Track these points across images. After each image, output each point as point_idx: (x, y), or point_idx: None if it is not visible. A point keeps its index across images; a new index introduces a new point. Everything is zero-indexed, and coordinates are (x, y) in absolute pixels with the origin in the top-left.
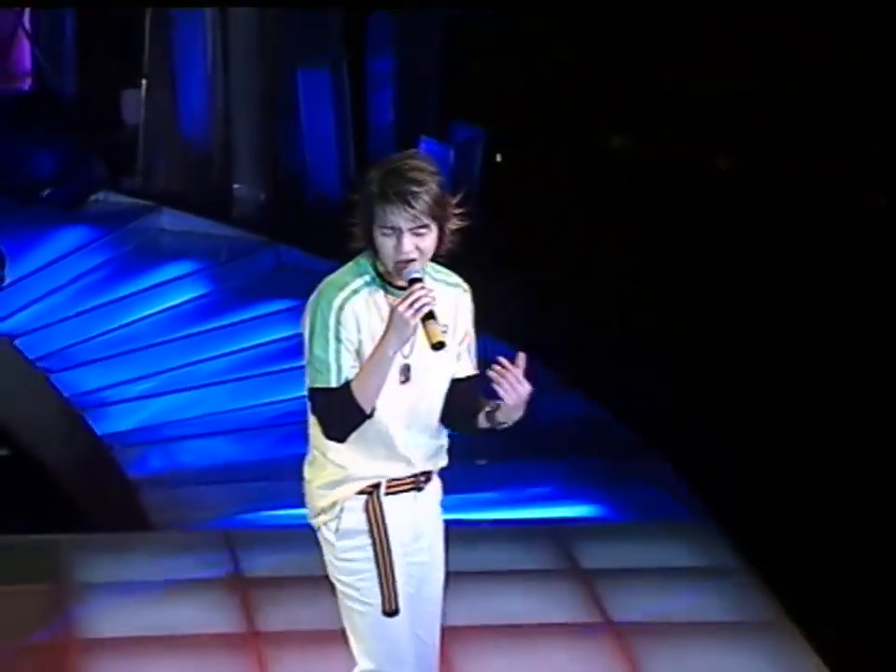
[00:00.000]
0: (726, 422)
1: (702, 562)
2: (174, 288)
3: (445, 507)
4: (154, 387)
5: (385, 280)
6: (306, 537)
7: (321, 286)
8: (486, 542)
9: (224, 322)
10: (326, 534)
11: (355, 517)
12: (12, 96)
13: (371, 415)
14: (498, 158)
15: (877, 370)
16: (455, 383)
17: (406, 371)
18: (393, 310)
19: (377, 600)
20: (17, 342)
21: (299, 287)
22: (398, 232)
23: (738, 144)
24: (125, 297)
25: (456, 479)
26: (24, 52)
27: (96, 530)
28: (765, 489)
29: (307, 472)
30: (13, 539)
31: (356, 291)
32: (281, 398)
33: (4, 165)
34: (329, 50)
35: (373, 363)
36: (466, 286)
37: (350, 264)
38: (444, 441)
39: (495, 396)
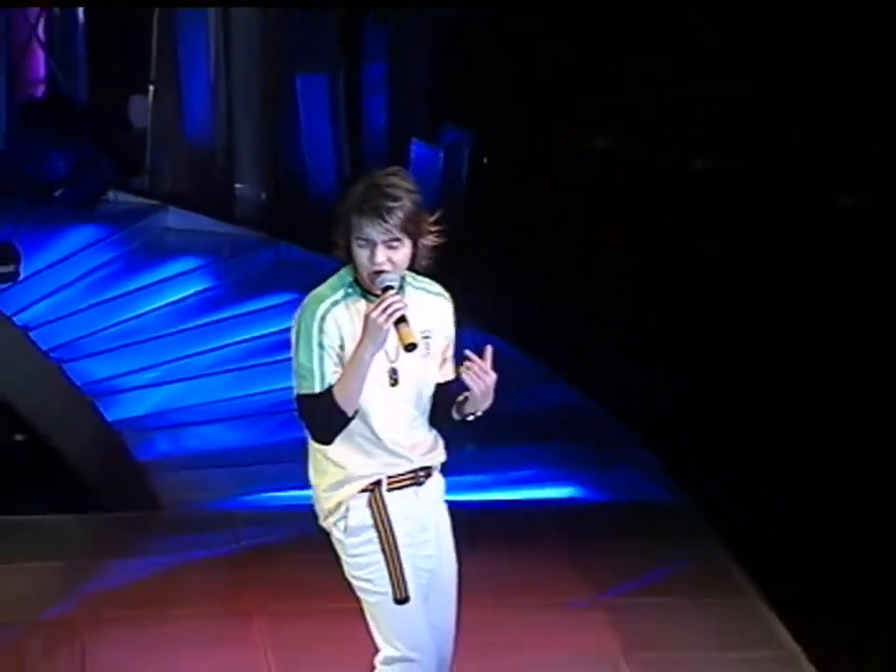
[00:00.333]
0: (702, 406)
1: (679, 541)
2: (179, 283)
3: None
4: (160, 376)
5: (364, 290)
6: (302, 516)
7: (305, 300)
8: (477, 522)
9: (226, 315)
10: (336, 534)
11: (360, 514)
12: (27, 101)
13: (353, 417)
14: (485, 160)
15: (846, 348)
16: (439, 386)
17: (394, 374)
18: (366, 316)
19: (389, 590)
20: (31, 333)
21: (297, 282)
22: (371, 244)
23: (734, 144)
24: (133, 291)
25: (452, 464)
26: (38, 60)
27: (106, 510)
28: (735, 469)
29: (312, 478)
30: (29, 518)
31: (336, 302)
32: (280, 386)
33: (19, 167)
34: (326, 58)
35: (352, 368)
36: (447, 294)
37: (332, 278)
38: (438, 438)
39: (465, 388)
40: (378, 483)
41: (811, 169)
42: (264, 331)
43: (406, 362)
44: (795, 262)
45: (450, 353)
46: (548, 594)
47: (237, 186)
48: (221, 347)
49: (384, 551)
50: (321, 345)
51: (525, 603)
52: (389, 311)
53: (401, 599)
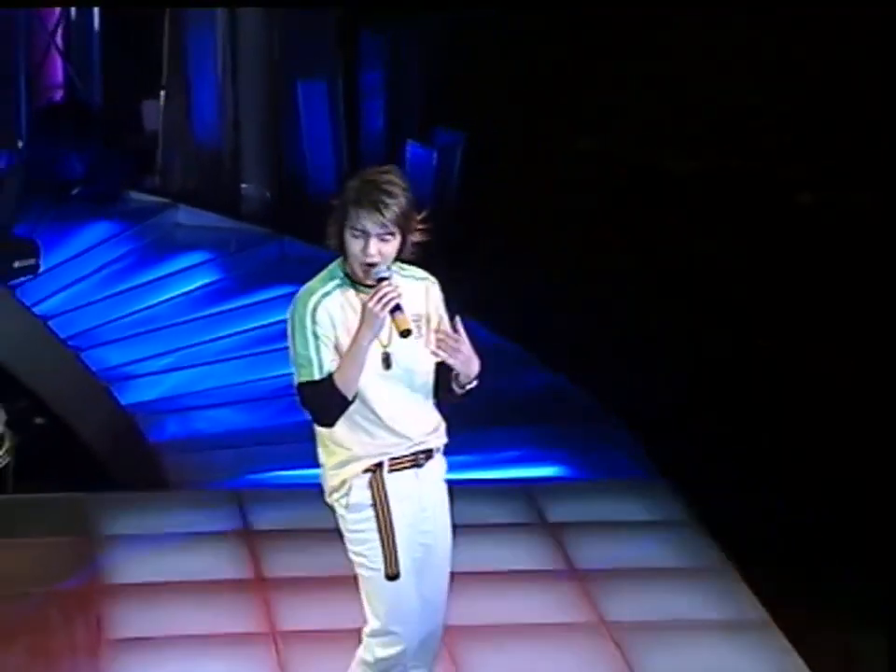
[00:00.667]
0: (679, 389)
1: (654, 515)
2: (188, 276)
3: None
4: (171, 363)
5: (354, 280)
6: (306, 495)
7: (298, 293)
8: (463, 500)
9: (233, 305)
10: (339, 510)
11: (361, 493)
12: (46, 106)
13: (352, 401)
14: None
15: (827, 338)
16: (440, 364)
17: (387, 359)
18: (364, 306)
19: (382, 566)
20: (50, 323)
21: (300, 275)
22: (366, 236)
23: (734, 144)
24: (146, 283)
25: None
26: (56, 67)
27: (120, 489)
28: (711, 448)
29: (321, 457)
30: (47, 496)
31: (327, 293)
32: (284, 372)
33: (39, 167)
34: (325, 65)
35: (351, 354)
36: (433, 278)
37: (322, 272)
38: (439, 420)
39: None
40: (380, 464)
41: (811, 168)
42: (269, 321)
43: (398, 346)
44: (795, 262)
45: (445, 329)
46: (532, 567)
47: (243, 185)
48: (229, 336)
49: (379, 529)
50: (315, 335)
51: (506, 576)
52: (385, 300)
53: (392, 576)
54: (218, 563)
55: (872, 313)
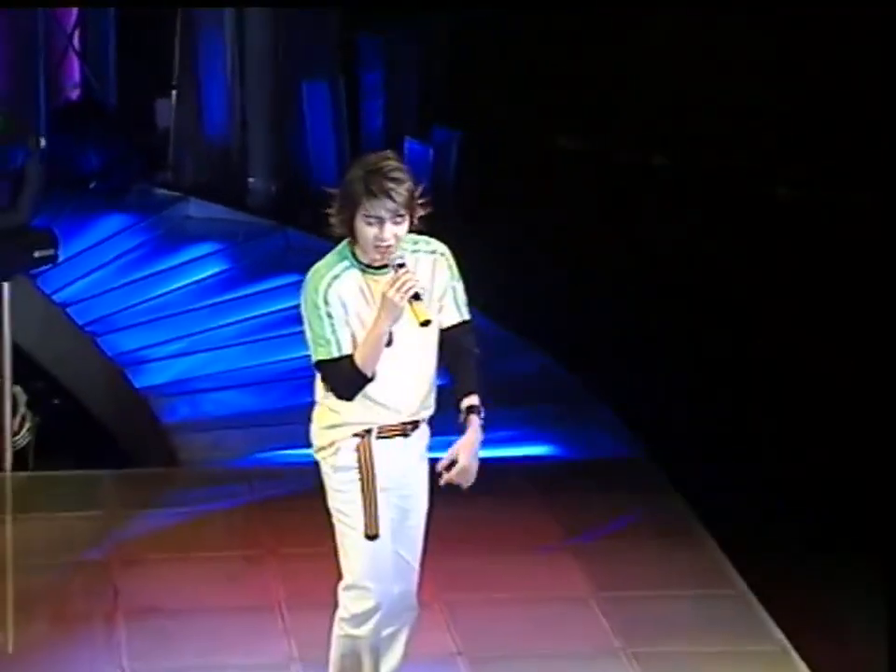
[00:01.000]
0: (661, 374)
1: (638, 489)
2: (199, 265)
3: (429, 447)
4: (183, 348)
5: (361, 263)
6: (310, 472)
7: (308, 275)
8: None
9: (241, 293)
10: (324, 467)
11: (348, 456)
12: (64, 104)
13: (372, 378)
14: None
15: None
16: (445, 331)
17: (388, 336)
18: (383, 294)
19: (362, 526)
20: (69, 310)
21: (304, 264)
22: (380, 222)
23: (734, 143)
24: (158, 272)
25: (438, 423)
26: (74, 67)
27: (134, 466)
28: (691, 427)
29: (314, 415)
30: (66, 473)
31: (337, 276)
32: (289, 356)
33: (58, 163)
34: (328, 67)
35: (371, 338)
36: (442, 249)
37: (331, 254)
38: (430, 395)
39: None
40: (369, 430)
41: (811, 168)
42: (275, 308)
43: (400, 326)
44: (794, 260)
45: (448, 300)
46: (524, 540)
47: (250, 179)
48: (237, 322)
49: (363, 491)
50: (329, 315)
51: (503, 548)
52: (404, 288)
53: (372, 536)
54: (228, 537)
55: (872, 312)
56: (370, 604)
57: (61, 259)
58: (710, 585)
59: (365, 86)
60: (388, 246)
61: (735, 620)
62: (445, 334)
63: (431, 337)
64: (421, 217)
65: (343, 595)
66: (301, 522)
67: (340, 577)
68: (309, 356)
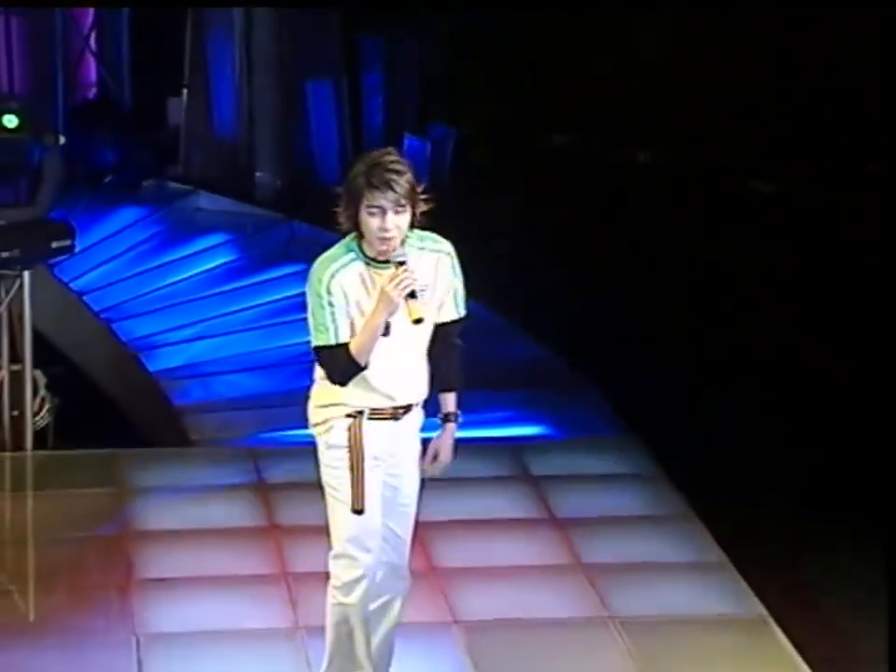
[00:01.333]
0: (647, 356)
1: (626, 469)
2: (208, 255)
3: (425, 427)
4: (194, 333)
5: (366, 256)
6: (312, 450)
7: (314, 265)
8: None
9: (249, 282)
10: (319, 443)
11: (339, 434)
12: (81, 103)
13: (365, 367)
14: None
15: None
16: (440, 325)
17: (387, 326)
18: (382, 289)
19: (349, 499)
20: (85, 297)
21: (308, 254)
22: (382, 212)
23: (733, 142)
24: (170, 262)
25: (432, 405)
26: (90, 68)
27: (148, 446)
28: (676, 410)
29: (312, 393)
30: (83, 452)
31: (342, 267)
32: (294, 341)
33: (75, 158)
34: (331, 67)
35: (367, 329)
36: (448, 248)
37: (337, 246)
38: (424, 381)
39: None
40: (361, 412)
41: (811, 168)
42: (280, 296)
43: (399, 317)
44: (773, 246)
45: (448, 297)
46: (516, 514)
47: (257, 173)
48: (245, 309)
49: (351, 469)
50: (331, 304)
51: (496, 523)
52: (402, 285)
53: (358, 511)
54: (236, 512)
55: (871, 311)
56: (357, 573)
57: (77, 249)
58: (692, 556)
59: (366, 85)
60: (392, 237)
61: (716, 589)
62: (439, 328)
63: (426, 329)
64: (423, 213)
65: (332, 564)
66: (305, 498)
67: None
68: (310, 341)
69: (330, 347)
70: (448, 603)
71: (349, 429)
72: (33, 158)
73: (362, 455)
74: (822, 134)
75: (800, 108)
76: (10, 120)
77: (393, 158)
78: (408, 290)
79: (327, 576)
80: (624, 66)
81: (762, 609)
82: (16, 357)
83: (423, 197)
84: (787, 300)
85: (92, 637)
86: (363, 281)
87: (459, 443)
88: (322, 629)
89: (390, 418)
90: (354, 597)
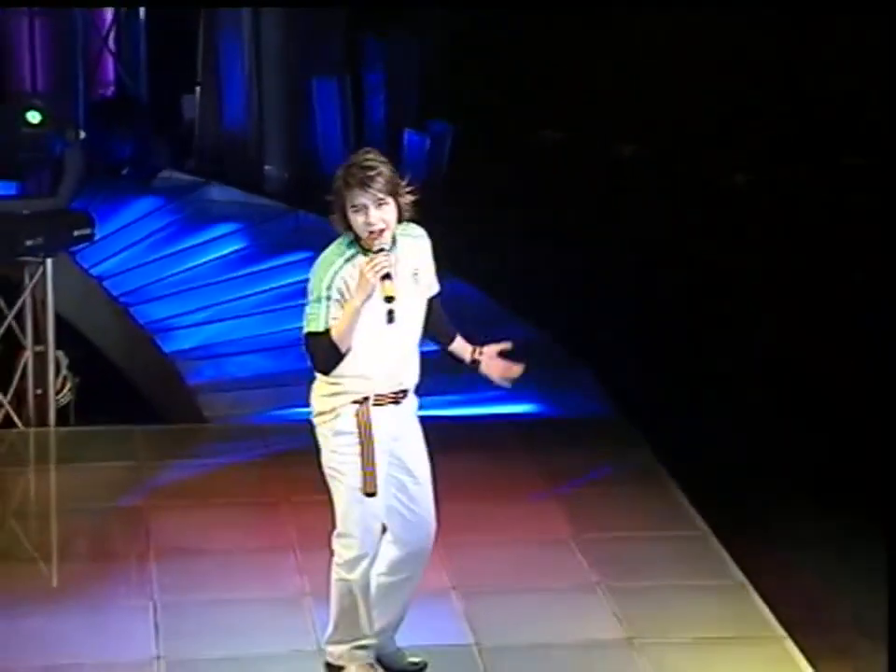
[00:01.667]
0: (635, 341)
1: (612, 444)
2: (220, 243)
3: (425, 405)
4: (207, 316)
5: (365, 249)
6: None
7: (316, 264)
8: (453, 432)
9: (258, 268)
10: (323, 430)
11: (347, 421)
12: (100, 99)
13: (345, 354)
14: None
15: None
16: (429, 300)
17: (391, 314)
18: (360, 273)
19: (356, 483)
20: (104, 283)
21: (313, 243)
22: (364, 208)
23: (733, 141)
24: (184, 249)
25: (433, 385)
26: (108, 66)
27: (163, 422)
28: (660, 390)
29: (314, 385)
30: (103, 428)
31: (346, 262)
32: (300, 324)
33: (94, 151)
34: (336, 66)
35: (346, 313)
36: (421, 232)
37: (335, 245)
38: (417, 365)
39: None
40: (366, 398)
41: (810, 168)
42: (287, 281)
43: (401, 303)
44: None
45: (432, 275)
46: (510, 488)
47: (266, 166)
48: (254, 294)
49: (361, 454)
50: (328, 297)
51: (492, 495)
52: (377, 268)
53: (370, 493)
54: (247, 485)
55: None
56: (360, 552)
57: (97, 237)
58: (676, 528)
59: (368, 83)
60: (380, 230)
61: (698, 558)
62: (428, 302)
63: (422, 311)
64: (410, 205)
65: (335, 543)
66: (312, 472)
67: (335, 527)
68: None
69: (316, 334)
70: (447, 570)
71: (357, 415)
72: (55, 151)
73: (371, 438)
74: (821, 134)
75: (799, 108)
76: (34, 116)
77: (368, 157)
78: (383, 272)
79: (331, 546)
80: (620, 63)
81: (740, 576)
82: (39, 338)
83: (407, 189)
84: (780, 289)
85: (112, 603)
86: (362, 273)
87: (455, 421)
88: (327, 596)
89: (393, 402)
90: (356, 574)
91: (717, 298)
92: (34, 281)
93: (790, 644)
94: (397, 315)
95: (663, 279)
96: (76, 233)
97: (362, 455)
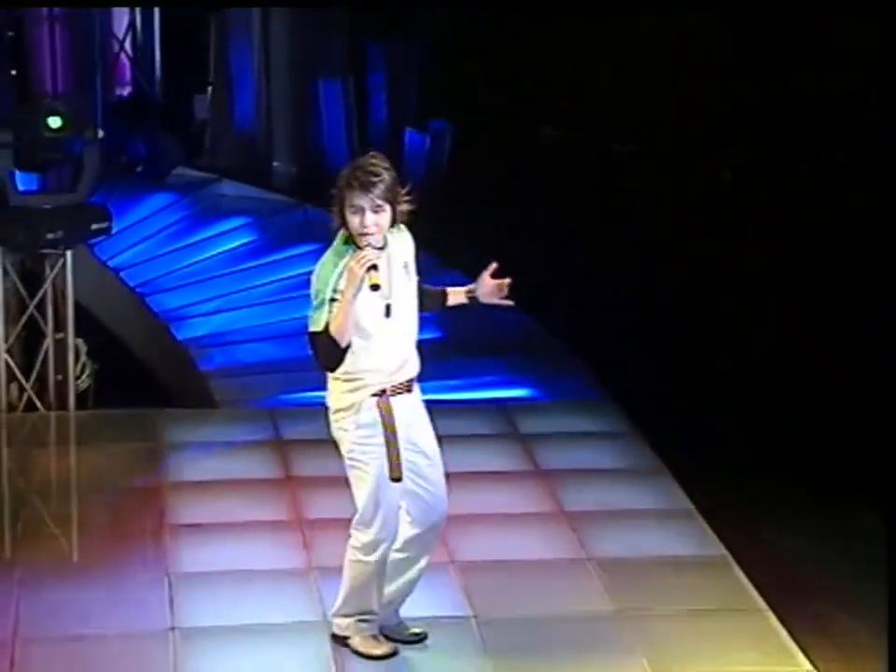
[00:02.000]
0: (626, 327)
1: (603, 427)
2: (231, 236)
3: (422, 390)
4: (218, 306)
5: (358, 246)
6: (324, 411)
7: (317, 268)
8: (450, 416)
9: (266, 260)
10: (344, 425)
11: (370, 413)
12: (117, 100)
13: (346, 349)
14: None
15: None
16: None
17: (388, 308)
18: (349, 267)
19: (379, 471)
20: (121, 274)
21: (320, 235)
22: (361, 211)
23: (734, 139)
24: (197, 242)
25: (431, 371)
26: (126, 70)
27: (177, 406)
28: (649, 373)
29: (331, 384)
30: (120, 412)
31: (343, 265)
32: (306, 313)
33: (112, 149)
34: (340, 67)
35: (341, 308)
36: (404, 228)
37: (333, 248)
38: (417, 354)
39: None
40: (384, 390)
41: (811, 168)
42: (295, 272)
43: (396, 296)
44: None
45: (415, 266)
46: (503, 467)
47: (274, 163)
48: (263, 284)
49: (387, 443)
50: (332, 299)
51: (484, 475)
52: (363, 261)
53: (397, 478)
54: (256, 465)
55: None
56: (380, 536)
57: (114, 231)
58: (661, 504)
59: (371, 84)
60: (370, 234)
61: (683, 533)
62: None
63: (414, 305)
64: (406, 213)
65: (355, 529)
66: (318, 453)
67: (352, 501)
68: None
69: (317, 333)
70: (446, 546)
71: (378, 407)
72: (74, 152)
73: (395, 427)
74: (821, 134)
75: (798, 108)
76: (55, 121)
77: (373, 161)
78: (369, 264)
79: (336, 522)
80: (620, 63)
81: (723, 551)
82: (60, 326)
83: (405, 197)
84: (780, 289)
85: (129, 576)
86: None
87: (452, 405)
88: (333, 570)
89: (405, 391)
90: (375, 556)
91: (717, 297)
92: (54, 272)
93: (771, 616)
94: (394, 307)
95: (663, 279)
96: (94, 227)
97: (387, 443)
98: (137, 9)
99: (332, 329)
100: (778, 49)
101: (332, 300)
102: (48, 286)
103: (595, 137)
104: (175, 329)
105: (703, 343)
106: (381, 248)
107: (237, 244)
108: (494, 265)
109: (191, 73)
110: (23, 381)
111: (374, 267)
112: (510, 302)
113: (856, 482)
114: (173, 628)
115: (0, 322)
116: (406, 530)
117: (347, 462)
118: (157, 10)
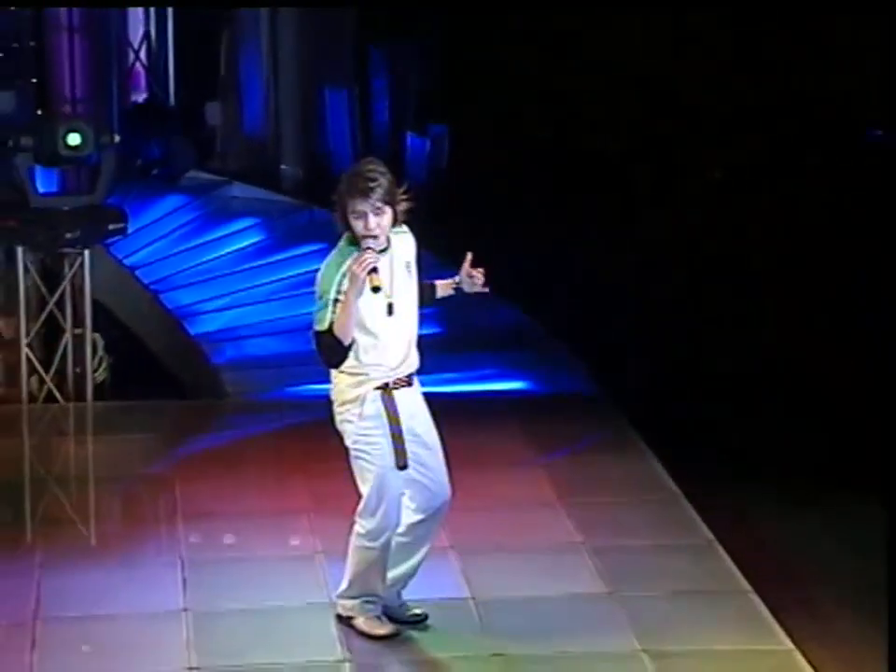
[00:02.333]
0: (619, 324)
1: (594, 417)
2: (241, 236)
3: (423, 383)
4: (229, 302)
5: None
6: (330, 403)
7: (321, 269)
8: (450, 408)
9: (275, 259)
10: (348, 417)
11: (374, 405)
12: (132, 106)
13: (349, 347)
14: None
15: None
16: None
17: (391, 307)
18: (350, 269)
19: (382, 461)
20: (137, 272)
21: (326, 235)
22: (363, 215)
23: (733, 139)
24: (208, 241)
25: (431, 365)
26: (141, 77)
27: (190, 398)
28: (638, 370)
29: (335, 378)
30: (136, 403)
31: (346, 267)
32: (312, 309)
33: (127, 153)
34: (345, 74)
35: (344, 308)
36: (406, 229)
37: (337, 249)
38: (416, 350)
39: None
40: (387, 384)
41: (811, 168)
42: (302, 270)
43: (398, 295)
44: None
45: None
46: (502, 457)
47: (282, 166)
48: (272, 282)
49: (392, 434)
50: (336, 300)
51: (485, 464)
52: (364, 264)
53: (403, 466)
54: (264, 455)
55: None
56: (384, 523)
57: (130, 230)
58: (652, 492)
59: (374, 89)
60: (375, 235)
61: (671, 519)
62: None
63: (415, 303)
64: (406, 211)
65: (359, 516)
66: (323, 443)
67: (354, 489)
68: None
69: (321, 332)
70: (446, 531)
71: (382, 399)
72: (91, 163)
73: (398, 418)
74: (821, 134)
75: (798, 108)
76: (74, 139)
77: (370, 167)
78: (370, 267)
79: (342, 510)
80: (619, 62)
81: (709, 535)
82: (78, 322)
83: (404, 197)
84: (780, 289)
85: (143, 560)
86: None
87: (451, 397)
88: (338, 555)
89: (406, 385)
90: (379, 542)
91: (717, 297)
92: (73, 270)
93: (755, 597)
94: (396, 306)
95: (663, 278)
96: (110, 227)
97: (392, 433)
98: (152, 20)
99: (336, 329)
100: (778, 48)
101: (336, 300)
102: (66, 283)
103: (595, 137)
104: (188, 324)
105: (703, 343)
106: (384, 250)
107: (247, 243)
108: (469, 255)
109: (203, 80)
110: (43, 374)
111: (375, 270)
112: (485, 289)
113: (854, 476)
114: (185, 609)
115: (21, 318)
116: (409, 517)
117: (352, 453)
118: (170, 21)
